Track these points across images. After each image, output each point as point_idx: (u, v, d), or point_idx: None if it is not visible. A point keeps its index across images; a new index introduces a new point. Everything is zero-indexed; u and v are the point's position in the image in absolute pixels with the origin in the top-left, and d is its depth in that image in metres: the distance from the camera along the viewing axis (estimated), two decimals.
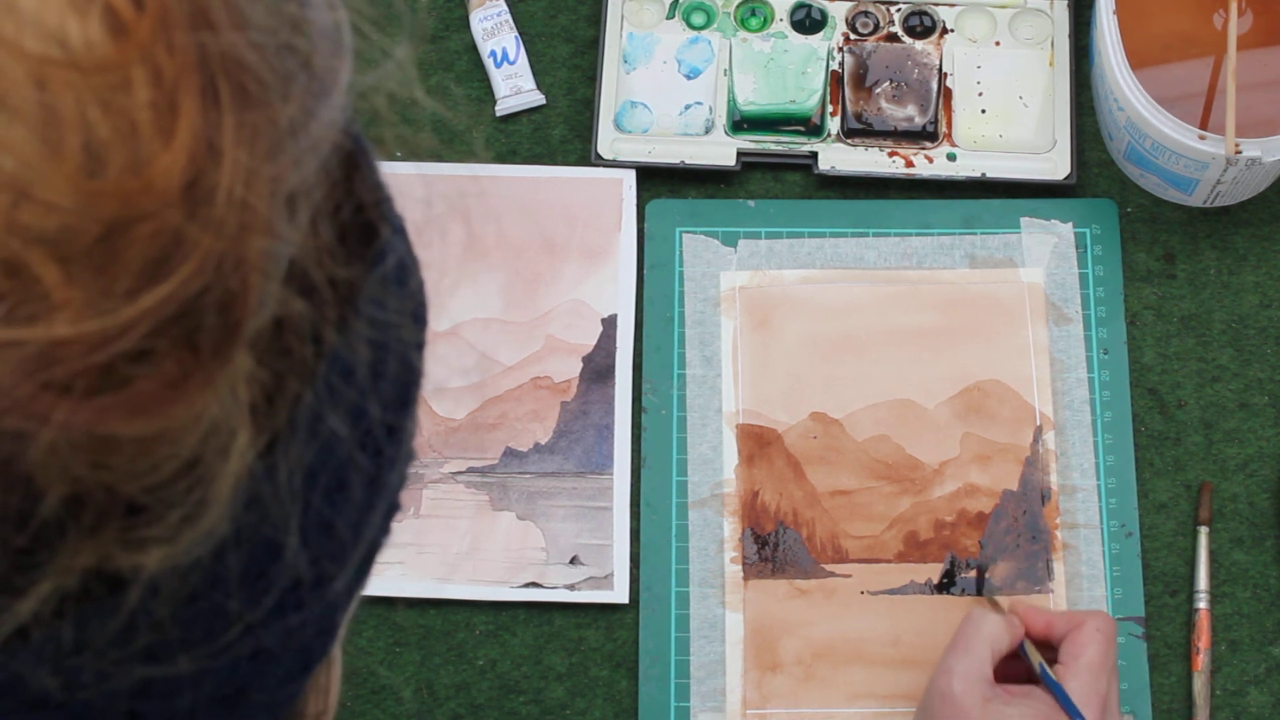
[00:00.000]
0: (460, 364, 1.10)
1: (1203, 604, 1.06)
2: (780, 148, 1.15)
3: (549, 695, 1.06)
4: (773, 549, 1.08)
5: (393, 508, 0.49)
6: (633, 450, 1.10)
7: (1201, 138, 1.06)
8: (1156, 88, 1.08)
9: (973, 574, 1.07)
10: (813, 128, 1.16)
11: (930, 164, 1.15)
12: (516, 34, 1.17)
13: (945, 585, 1.07)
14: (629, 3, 1.18)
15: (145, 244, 0.37)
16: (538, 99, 1.17)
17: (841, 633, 1.06)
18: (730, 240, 1.14)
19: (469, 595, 1.07)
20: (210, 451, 0.39)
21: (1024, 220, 1.14)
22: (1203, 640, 1.05)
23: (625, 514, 1.09)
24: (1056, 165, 1.14)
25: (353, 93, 0.43)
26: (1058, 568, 1.07)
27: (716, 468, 1.09)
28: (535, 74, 1.17)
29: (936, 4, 1.18)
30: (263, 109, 0.39)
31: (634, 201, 1.14)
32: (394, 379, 0.47)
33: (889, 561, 1.08)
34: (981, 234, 1.14)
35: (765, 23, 1.18)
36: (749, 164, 1.16)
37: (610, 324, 1.12)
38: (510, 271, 1.13)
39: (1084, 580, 1.07)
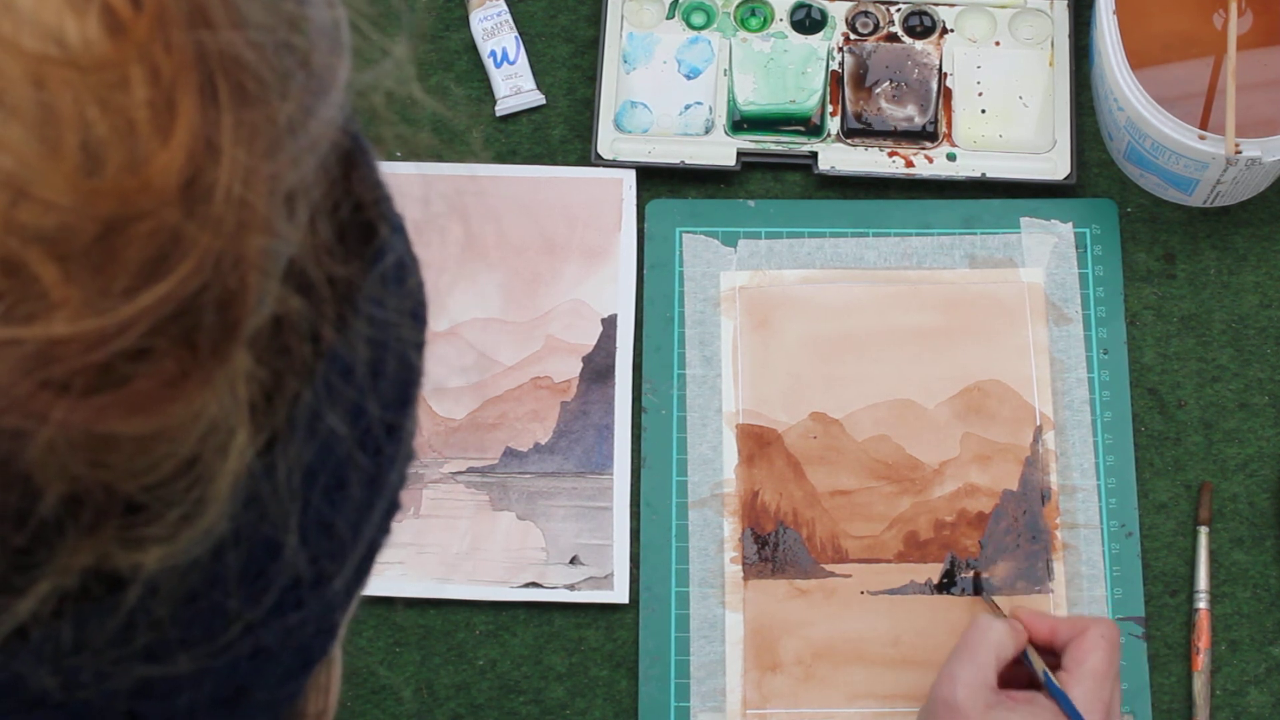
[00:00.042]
0: (460, 364, 1.10)
1: (1203, 604, 1.06)
2: (780, 148, 1.15)
3: (549, 695, 1.06)
4: (773, 549, 1.08)
5: (392, 507, 0.49)
6: (633, 450, 1.10)
7: (1201, 138, 1.06)
8: (1156, 88, 1.08)
9: (972, 574, 1.07)
10: (813, 128, 1.16)
11: (930, 164, 1.15)
12: (516, 34, 1.17)
13: (945, 585, 1.07)
14: (629, 3, 1.18)
15: (143, 242, 0.37)
16: (538, 99, 1.17)
17: (841, 633, 1.06)
18: (730, 240, 1.14)
19: (469, 595, 1.07)
20: (209, 450, 0.39)
21: (1024, 220, 1.14)
22: (1203, 640, 1.05)
23: (625, 514, 1.08)
24: (1056, 165, 1.14)
25: (351, 91, 0.43)
26: (1058, 568, 1.07)
27: (716, 468, 1.09)
28: (535, 74, 1.17)
29: (936, 4, 1.18)
30: (261, 107, 0.39)
31: (634, 201, 1.14)
32: (393, 378, 0.47)
33: (889, 561, 1.07)
34: (981, 234, 1.14)
35: (765, 23, 1.18)
36: (749, 164, 1.16)
37: (610, 324, 1.12)
38: (510, 271, 1.13)
39: (1084, 580, 1.07)
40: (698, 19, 1.18)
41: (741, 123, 1.16)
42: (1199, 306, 1.12)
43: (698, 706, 1.05)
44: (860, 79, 1.16)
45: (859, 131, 1.16)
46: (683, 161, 1.15)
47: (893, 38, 1.17)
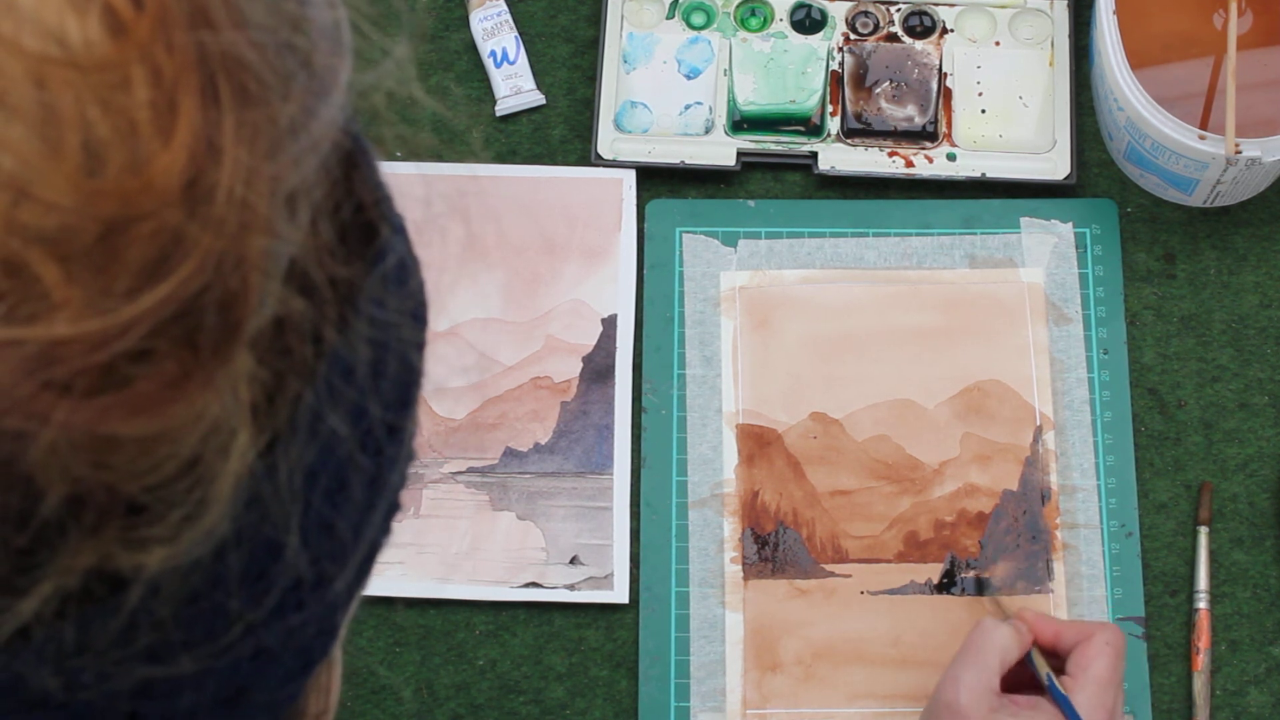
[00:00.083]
0: (460, 364, 1.10)
1: (1203, 604, 1.06)
2: (780, 148, 1.15)
3: (549, 695, 1.06)
4: (773, 549, 1.08)
5: (393, 508, 0.49)
6: (633, 450, 1.10)
7: (1201, 138, 1.06)
8: (1156, 88, 1.08)
9: (972, 574, 1.07)
10: (813, 128, 1.16)
11: (930, 164, 1.15)
12: (516, 34, 1.17)
13: (945, 585, 1.07)
14: (629, 3, 1.18)
15: (145, 243, 0.37)
16: (538, 99, 1.17)
17: (841, 633, 1.06)
18: (730, 240, 1.14)
19: (469, 595, 1.07)
20: (211, 451, 0.39)
21: (1024, 220, 1.14)
22: (1203, 640, 1.05)
23: (625, 514, 1.08)
24: (1056, 165, 1.14)
25: (352, 92, 0.43)
26: (1058, 568, 1.07)
27: (716, 468, 1.09)
28: (535, 74, 1.17)
29: (936, 4, 1.18)
30: (263, 108, 0.39)
31: (634, 201, 1.14)
32: (394, 379, 0.47)
33: (889, 561, 1.07)
34: (981, 234, 1.14)
35: (765, 23, 1.18)
36: (749, 164, 1.16)
37: (610, 324, 1.12)
38: (510, 271, 1.13)
39: (1084, 580, 1.07)
40: (698, 19, 1.18)
41: (741, 123, 1.16)
42: (1199, 306, 1.12)
43: (698, 706, 1.05)
44: (860, 79, 1.16)
45: (859, 131, 1.16)
46: (683, 161, 1.15)
47: (893, 38, 1.17)
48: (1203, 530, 1.07)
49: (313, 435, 0.43)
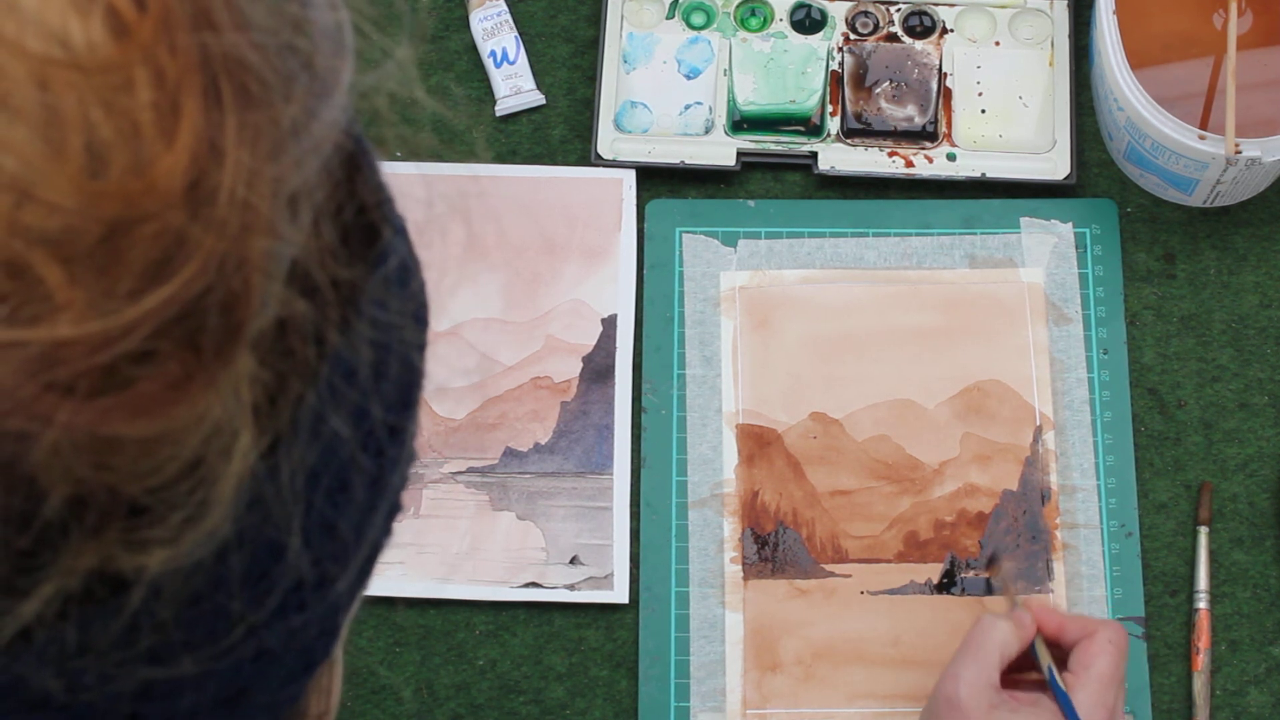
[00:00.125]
0: (460, 364, 1.10)
1: (1203, 604, 1.06)
2: (780, 148, 1.15)
3: (549, 695, 1.06)
4: (773, 549, 1.08)
5: (394, 508, 0.49)
6: (633, 450, 1.10)
7: (1201, 138, 1.06)
8: (1156, 88, 1.08)
9: (973, 574, 1.07)
10: (812, 128, 1.16)
11: (930, 164, 1.15)
12: (516, 34, 1.17)
13: (945, 585, 1.07)
14: (629, 3, 1.18)
15: (148, 245, 0.37)
16: (538, 99, 1.17)
17: (841, 633, 1.06)
18: (730, 240, 1.14)
19: (469, 595, 1.07)
20: (213, 452, 0.39)
21: (1024, 220, 1.14)
22: (1203, 640, 1.05)
23: (625, 514, 1.08)
24: (1056, 165, 1.14)
25: (354, 93, 0.43)
26: (1058, 568, 1.07)
27: (716, 468, 1.09)
28: (535, 74, 1.17)
29: (936, 4, 1.18)
30: (265, 109, 0.39)
31: (634, 201, 1.14)
32: (396, 380, 0.47)
33: (889, 561, 1.08)
34: (981, 234, 1.14)
35: (765, 23, 1.18)
36: (749, 164, 1.16)
37: (610, 324, 1.12)
38: (510, 271, 1.13)
39: (1084, 580, 1.07)
40: (698, 19, 1.18)
41: (741, 123, 1.16)
42: (1199, 306, 1.12)
43: (698, 706, 1.05)
44: (860, 79, 1.16)
45: (859, 131, 1.16)
46: (683, 161, 1.15)
47: (893, 38, 1.17)
48: (1203, 530, 1.07)
49: (315, 436, 0.43)
